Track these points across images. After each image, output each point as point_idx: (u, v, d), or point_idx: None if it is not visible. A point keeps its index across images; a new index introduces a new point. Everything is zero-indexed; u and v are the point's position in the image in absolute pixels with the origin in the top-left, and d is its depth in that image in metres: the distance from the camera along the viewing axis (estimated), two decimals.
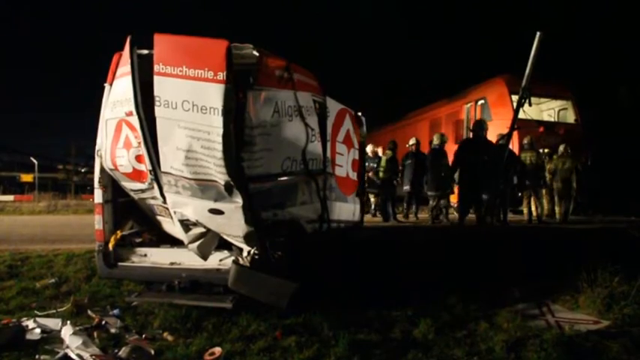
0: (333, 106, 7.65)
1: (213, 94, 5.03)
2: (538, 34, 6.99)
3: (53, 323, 5.88)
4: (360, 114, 9.31)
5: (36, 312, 6.46)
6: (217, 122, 5.02)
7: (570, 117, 16.72)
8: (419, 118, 21.46)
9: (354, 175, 8.71)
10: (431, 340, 5.61)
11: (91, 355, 4.91)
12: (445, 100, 19.99)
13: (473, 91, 17.88)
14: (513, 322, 5.84)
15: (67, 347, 5.15)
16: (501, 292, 6.85)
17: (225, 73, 5.01)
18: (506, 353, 5.10)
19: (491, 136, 13.45)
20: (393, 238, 10.62)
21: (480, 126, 11.48)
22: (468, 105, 17.62)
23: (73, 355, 4.99)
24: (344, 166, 8.12)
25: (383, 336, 5.72)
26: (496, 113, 15.89)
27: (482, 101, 16.81)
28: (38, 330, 5.69)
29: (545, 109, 17.62)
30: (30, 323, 5.84)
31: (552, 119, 17.22)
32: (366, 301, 6.61)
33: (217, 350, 5.18)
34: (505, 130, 11.11)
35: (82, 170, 55.53)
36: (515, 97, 13.08)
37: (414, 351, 5.28)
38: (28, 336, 5.56)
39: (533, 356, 4.95)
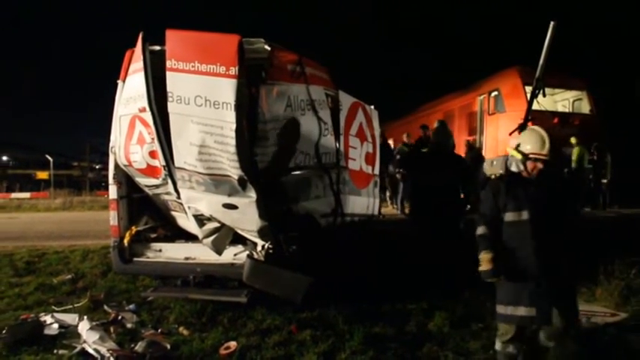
0: (346, 100, 7.63)
1: (226, 89, 5.02)
2: (552, 23, 6.88)
3: (70, 318, 5.94)
4: (372, 107, 9.28)
5: (53, 307, 6.53)
6: (230, 117, 5.02)
7: (585, 108, 16.53)
8: (431, 111, 21.27)
9: (368, 169, 8.69)
10: (446, 333, 5.60)
11: (108, 350, 4.94)
12: (458, 92, 19.81)
13: (486, 82, 17.69)
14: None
15: (85, 342, 5.20)
16: None
17: (237, 68, 5.00)
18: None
19: (506, 128, 13.38)
20: (406, 231, 10.56)
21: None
22: (482, 97, 17.45)
23: (90, 350, 5.03)
24: (357, 159, 8.11)
25: (398, 329, 5.72)
26: (510, 104, 15.73)
27: (495, 92, 16.63)
28: (56, 325, 5.75)
29: (560, 100, 17.42)
30: (48, 318, 5.91)
31: (567, 110, 17.04)
32: (381, 294, 6.60)
33: (233, 344, 5.21)
34: (519, 122, 11.00)
35: (97, 167, 55.98)
36: (528, 88, 12.94)
37: (429, 344, 5.28)
38: (46, 331, 5.63)
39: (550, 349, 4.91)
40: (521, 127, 9.08)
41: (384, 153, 11.85)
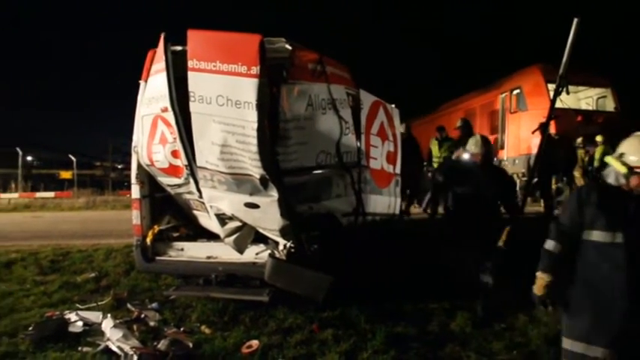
0: (367, 99, 7.61)
1: (247, 89, 5.03)
2: (575, 20, 6.81)
3: (94, 316, 6.02)
4: (393, 106, 9.24)
5: (78, 305, 6.62)
6: (252, 116, 5.03)
7: (610, 105, 16.30)
8: (453, 110, 21.13)
9: (389, 168, 8.66)
10: (468, 333, 5.57)
11: (131, 348, 5.00)
12: (479, 91, 19.65)
13: (508, 80, 17.52)
14: (553, 315, 5.72)
15: (108, 340, 5.27)
16: None
17: (258, 68, 5.01)
18: (546, 347, 5.02)
19: (528, 126, 13.21)
20: (427, 230, 10.51)
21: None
22: (503, 95, 17.28)
23: (113, 348, 5.10)
24: (378, 158, 8.09)
25: (420, 329, 5.70)
26: (532, 103, 15.55)
27: (517, 91, 16.45)
28: (80, 323, 5.85)
29: (583, 98, 17.20)
30: (72, 316, 6.00)
31: (591, 108, 16.82)
32: (403, 293, 6.57)
33: (255, 343, 5.23)
34: (541, 120, 10.88)
35: (119, 167, 56.44)
36: (551, 86, 12.79)
37: (451, 344, 5.25)
38: (71, 328, 5.73)
39: None
40: (544, 126, 8.97)
41: (410, 148, 11.67)
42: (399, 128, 9.59)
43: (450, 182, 6.35)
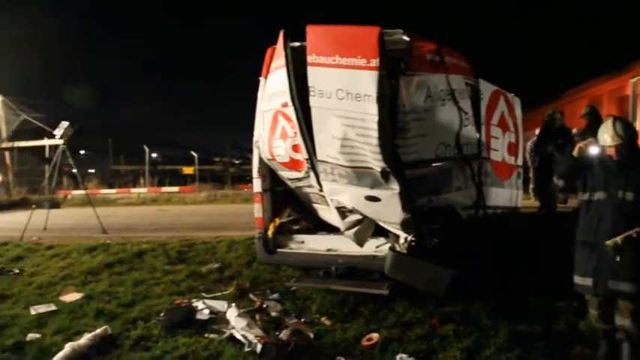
0: (487, 88, 7.38)
1: (367, 82, 5.02)
2: None
3: (219, 305, 6.29)
4: (513, 95, 8.89)
5: (203, 294, 6.92)
6: (372, 109, 5.01)
7: None
8: (577, 97, 20.02)
9: (510, 160, 8.36)
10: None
11: (255, 336, 5.16)
12: (607, 76, 18.46)
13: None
14: None
15: (233, 328, 5.48)
16: None
17: (378, 60, 4.97)
18: None
19: None
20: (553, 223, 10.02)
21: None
22: (635, 79, 16.13)
23: (238, 336, 5.29)
24: (499, 150, 7.82)
25: (546, 327, 5.44)
26: None
27: None
28: (207, 311, 6.14)
29: None
30: (199, 304, 6.31)
31: None
32: (527, 290, 6.31)
33: (375, 336, 5.22)
34: None
35: (237, 162, 58.31)
36: None
37: (579, 346, 4.96)
38: (198, 316, 6.03)
39: None
40: None
41: (564, 137, 10.93)
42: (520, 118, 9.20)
43: (574, 185, 4.88)
